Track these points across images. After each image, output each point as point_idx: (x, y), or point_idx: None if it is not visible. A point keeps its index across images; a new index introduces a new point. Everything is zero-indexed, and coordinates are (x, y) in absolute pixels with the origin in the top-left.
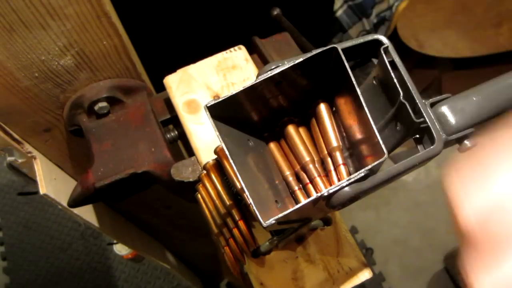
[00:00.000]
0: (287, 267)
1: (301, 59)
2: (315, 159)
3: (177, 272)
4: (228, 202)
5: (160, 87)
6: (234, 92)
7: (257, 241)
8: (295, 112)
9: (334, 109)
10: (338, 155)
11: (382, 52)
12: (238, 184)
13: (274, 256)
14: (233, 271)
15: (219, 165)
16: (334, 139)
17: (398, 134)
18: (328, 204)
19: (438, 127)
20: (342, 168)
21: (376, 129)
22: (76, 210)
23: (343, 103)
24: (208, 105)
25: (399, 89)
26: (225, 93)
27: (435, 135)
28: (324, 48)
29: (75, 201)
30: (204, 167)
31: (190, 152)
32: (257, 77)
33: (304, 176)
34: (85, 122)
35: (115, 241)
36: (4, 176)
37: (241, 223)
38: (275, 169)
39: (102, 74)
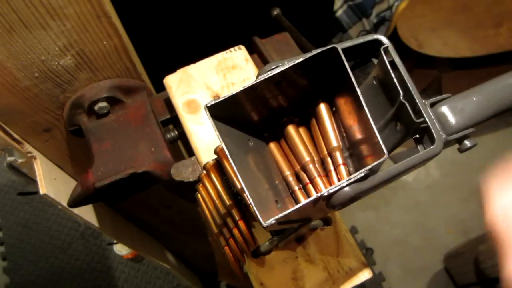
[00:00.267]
0: (287, 267)
1: (301, 59)
2: (315, 159)
3: (177, 272)
4: (228, 202)
5: (160, 87)
6: (234, 92)
7: (257, 241)
8: (295, 112)
9: (334, 109)
10: (338, 155)
11: (382, 52)
12: (238, 184)
13: (274, 256)
14: (234, 270)
15: (219, 165)
16: (334, 139)
17: (398, 134)
18: (328, 204)
19: (438, 127)
20: (342, 168)
21: (376, 129)
22: (76, 210)
23: (343, 103)
24: (208, 105)
25: (399, 89)
26: (225, 93)
27: (435, 135)
28: (324, 48)
29: (75, 201)
30: (204, 167)
31: (190, 152)
32: (257, 77)
33: (304, 176)
34: (85, 122)
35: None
36: (4, 176)
37: (241, 223)
38: (275, 169)
39: (102, 74)
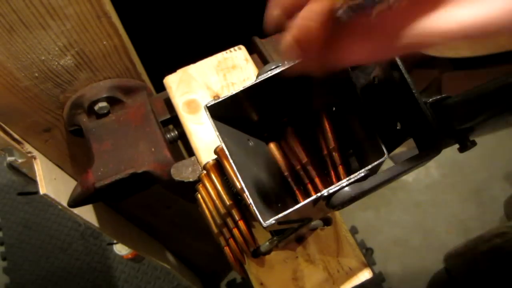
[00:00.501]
0: (287, 267)
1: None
2: (315, 159)
3: (177, 272)
4: (228, 202)
5: (160, 87)
6: (234, 92)
7: (257, 241)
8: (295, 112)
9: (334, 109)
10: (337, 155)
11: None
12: (238, 184)
13: (274, 256)
14: (235, 269)
15: (219, 165)
16: (333, 139)
17: (398, 134)
18: (328, 204)
19: (438, 127)
20: (342, 168)
21: (376, 129)
22: (76, 210)
23: (343, 102)
24: (208, 105)
25: (399, 89)
26: (225, 93)
27: (435, 135)
28: None
29: (75, 201)
30: (204, 167)
31: (190, 152)
32: (257, 77)
33: (304, 176)
34: (85, 122)
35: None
36: (4, 176)
37: (241, 223)
38: (275, 169)
39: (102, 74)
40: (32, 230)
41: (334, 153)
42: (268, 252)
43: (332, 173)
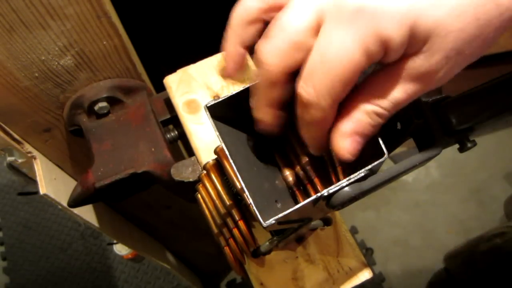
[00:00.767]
0: (287, 267)
1: None
2: (315, 159)
3: (177, 272)
4: (228, 202)
5: (160, 87)
6: (234, 92)
7: (257, 241)
8: (295, 111)
9: None
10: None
11: None
12: (238, 184)
13: (274, 256)
14: (234, 269)
15: (219, 165)
16: None
17: (398, 134)
18: (328, 204)
19: (438, 127)
20: (341, 169)
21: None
22: (76, 210)
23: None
24: (208, 105)
25: None
26: (225, 93)
27: (435, 135)
28: None
29: (75, 201)
30: (204, 167)
31: (190, 152)
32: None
33: (304, 176)
34: (85, 122)
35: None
36: (4, 176)
37: (241, 223)
38: (275, 169)
39: (102, 74)
40: (32, 230)
41: (333, 153)
42: (268, 252)
43: (332, 173)
